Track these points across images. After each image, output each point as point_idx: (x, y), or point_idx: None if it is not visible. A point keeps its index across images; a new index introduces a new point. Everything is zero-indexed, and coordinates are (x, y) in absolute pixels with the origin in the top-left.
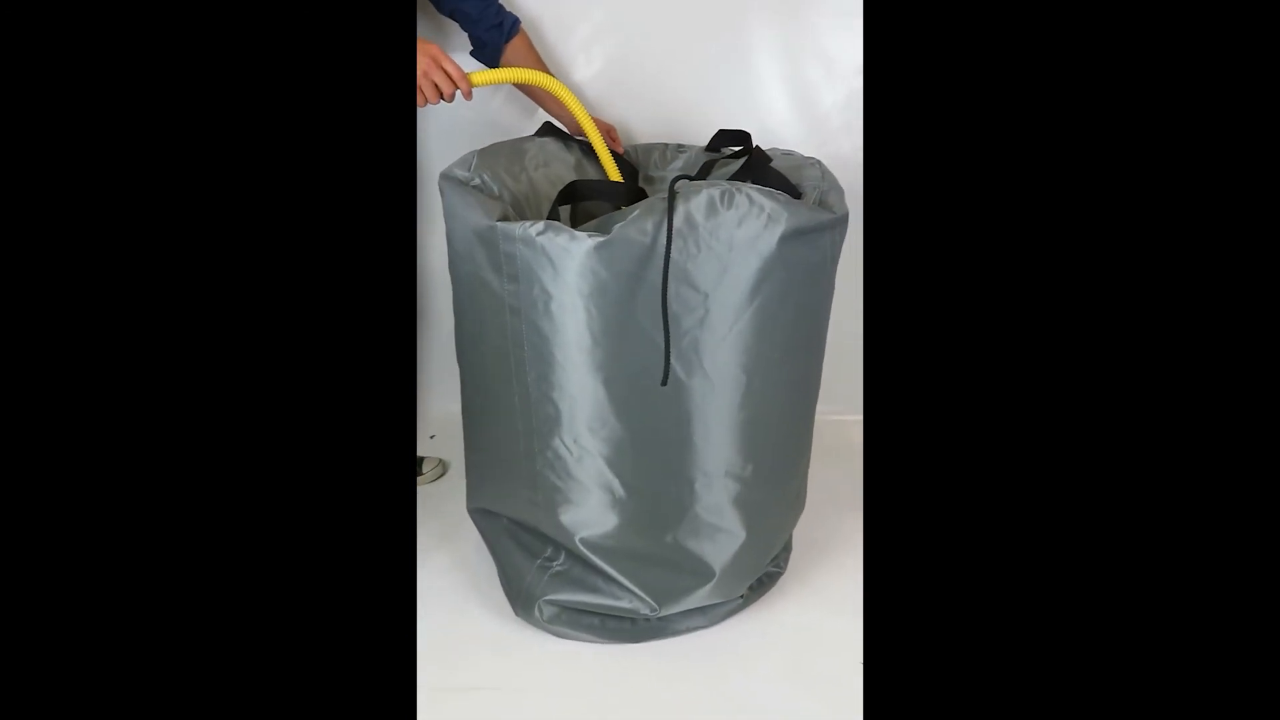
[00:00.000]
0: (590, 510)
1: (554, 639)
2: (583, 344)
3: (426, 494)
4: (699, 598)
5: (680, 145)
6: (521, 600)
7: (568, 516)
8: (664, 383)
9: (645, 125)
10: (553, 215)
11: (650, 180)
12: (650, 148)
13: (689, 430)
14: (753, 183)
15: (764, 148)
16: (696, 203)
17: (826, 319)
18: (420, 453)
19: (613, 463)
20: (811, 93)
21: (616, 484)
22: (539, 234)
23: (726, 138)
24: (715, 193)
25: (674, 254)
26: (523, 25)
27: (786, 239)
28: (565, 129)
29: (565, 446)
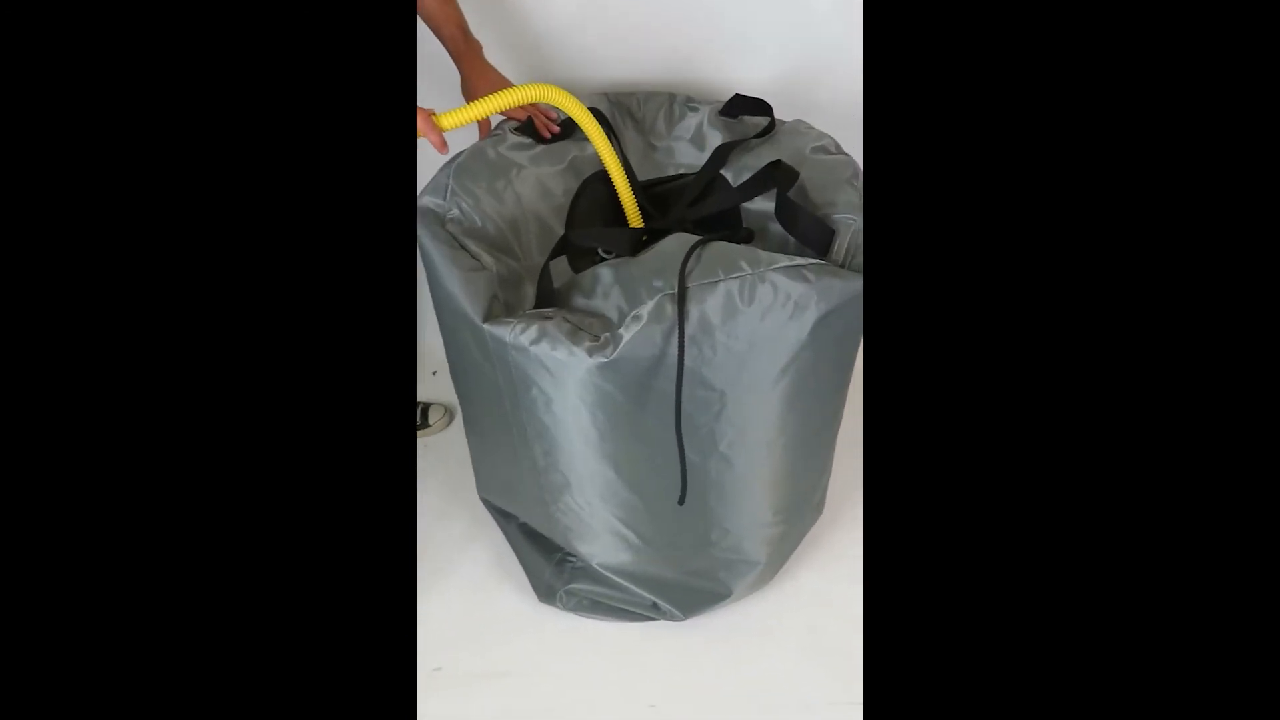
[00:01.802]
0: (605, 547)
1: (576, 617)
2: (589, 439)
3: (431, 445)
4: (720, 606)
5: (690, 101)
6: (543, 590)
7: (584, 548)
8: (681, 502)
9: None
10: (544, 278)
11: (655, 150)
12: (654, 101)
13: (705, 499)
14: (775, 213)
15: (786, 121)
16: (712, 304)
17: (856, 354)
18: (421, 397)
19: (627, 521)
20: None
21: (631, 535)
22: (532, 343)
23: (744, 104)
24: (734, 287)
25: (687, 361)
26: None
27: (819, 323)
28: (539, 128)
29: (576, 503)
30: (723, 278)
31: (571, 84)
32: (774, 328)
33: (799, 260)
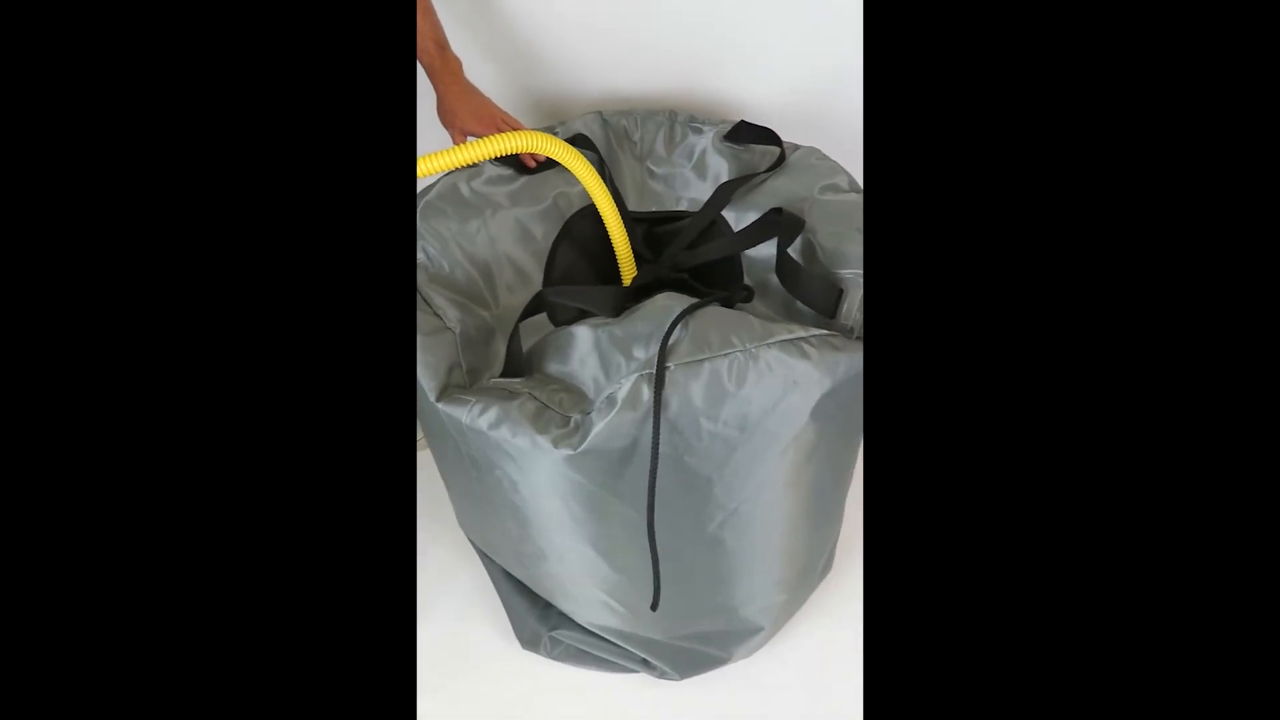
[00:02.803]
0: (591, 611)
1: (556, 665)
2: (563, 524)
3: (423, 462)
4: (719, 668)
5: (693, 120)
6: (527, 636)
7: (568, 607)
8: (654, 608)
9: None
10: (514, 341)
11: (653, 176)
12: (653, 121)
13: (693, 578)
14: (775, 268)
15: (797, 147)
16: (695, 386)
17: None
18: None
19: (612, 594)
20: None
21: (618, 605)
22: (491, 428)
23: (750, 132)
24: (722, 366)
25: (668, 449)
26: None
27: (822, 402)
28: (523, 159)
29: (556, 571)
30: (709, 356)
31: (564, 96)
32: (768, 408)
33: (798, 332)
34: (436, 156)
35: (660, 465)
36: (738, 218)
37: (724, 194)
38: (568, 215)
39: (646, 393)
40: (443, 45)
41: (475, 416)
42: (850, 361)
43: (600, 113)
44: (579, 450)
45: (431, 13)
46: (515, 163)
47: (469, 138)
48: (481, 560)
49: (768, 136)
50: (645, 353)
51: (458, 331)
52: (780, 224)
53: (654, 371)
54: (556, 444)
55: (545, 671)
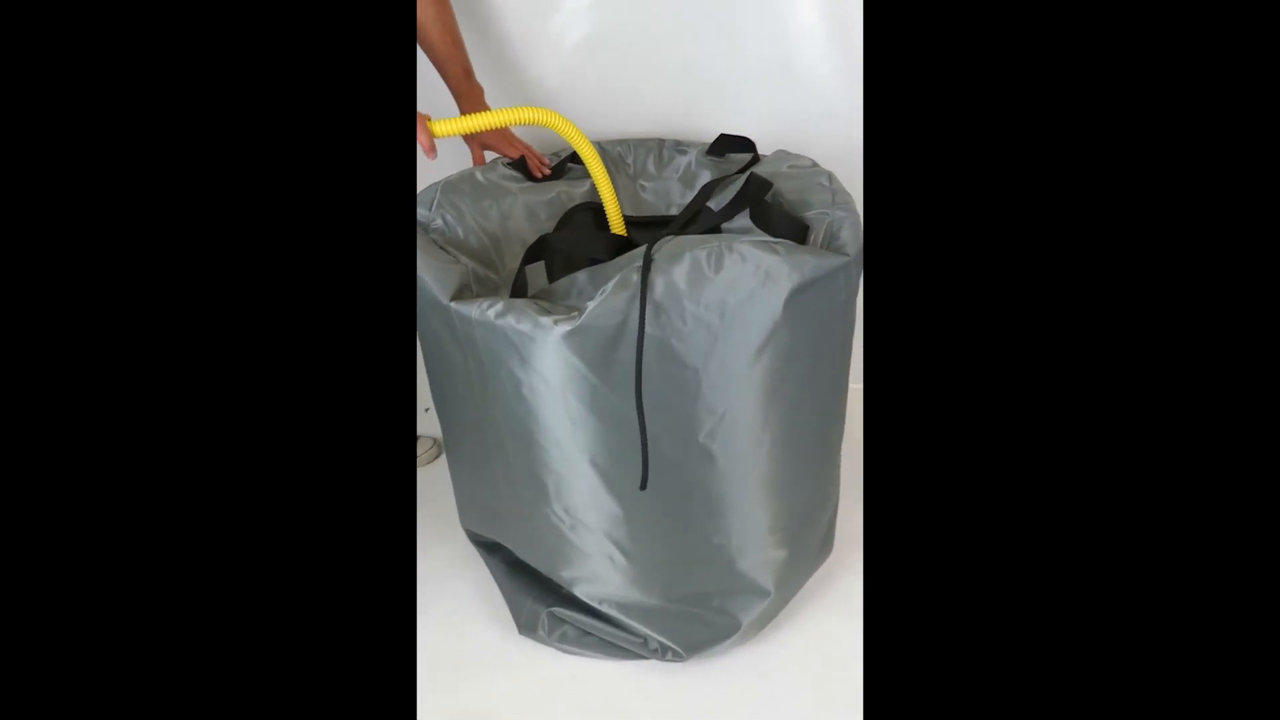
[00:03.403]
0: (592, 571)
1: (560, 655)
2: (563, 428)
3: (419, 477)
4: (727, 646)
5: (680, 144)
6: (525, 619)
7: (568, 573)
8: (642, 487)
9: (634, 87)
10: (519, 279)
11: (645, 190)
12: (643, 147)
13: (690, 504)
14: (749, 218)
15: (768, 153)
16: (679, 271)
17: (848, 357)
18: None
19: (611, 535)
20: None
21: (617, 553)
22: (498, 317)
23: (729, 143)
24: (701, 255)
25: (656, 331)
26: None
27: (792, 297)
28: (531, 169)
29: (558, 515)
30: (689, 247)
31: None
32: (745, 297)
33: (770, 239)
34: (452, 121)
35: (648, 346)
36: (718, 206)
37: (707, 190)
38: (569, 206)
39: (635, 279)
40: (469, 72)
41: (484, 309)
42: (817, 262)
43: (600, 144)
44: (577, 325)
45: (462, 45)
46: (524, 170)
47: (487, 153)
48: (484, 557)
49: (744, 144)
50: (634, 268)
51: (471, 269)
52: (751, 185)
53: (642, 263)
54: (557, 323)
55: (547, 664)
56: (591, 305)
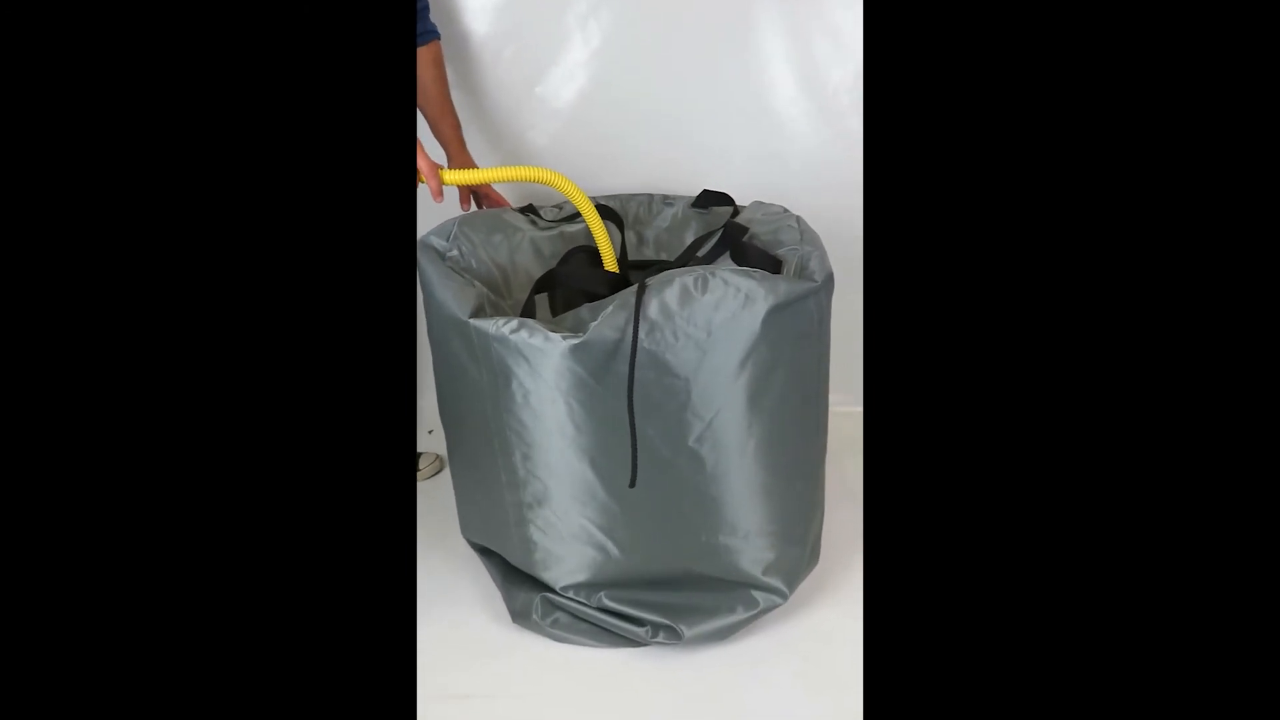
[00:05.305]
0: (584, 562)
1: (554, 644)
2: (565, 432)
3: (422, 490)
4: (720, 626)
5: (667, 197)
6: (518, 607)
7: (551, 573)
8: (631, 484)
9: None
10: (529, 305)
11: (639, 237)
12: (634, 200)
13: (681, 502)
14: (730, 257)
15: (746, 203)
16: (670, 293)
17: (825, 374)
18: (418, 448)
19: (605, 529)
20: (819, 71)
21: (610, 545)
22: (512, 332)
23: (711, 198)
24: (689, 280)
25: (651, 345)
26: (440, 43)
27: (769, 316)
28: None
29: (555, 515)
30: (679, 275)
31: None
32: (727, 318)
33: (747, 269)
34: (461, 172)
35: (644, 360)
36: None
37: (697, 244)
38: (570, 246)
39: (633, 300)
40: (461, 142)
41: (500, 325)
42: (789, 287)
43: (594, 198)
44: (581, 340)
45: (454, 114)
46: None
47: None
48: (481, 560)
49: (725, 199)
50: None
51: (484, 292)
52: (730, 230)
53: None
54: (564, 338)
55: (544, 654)
56: (595, 323)
